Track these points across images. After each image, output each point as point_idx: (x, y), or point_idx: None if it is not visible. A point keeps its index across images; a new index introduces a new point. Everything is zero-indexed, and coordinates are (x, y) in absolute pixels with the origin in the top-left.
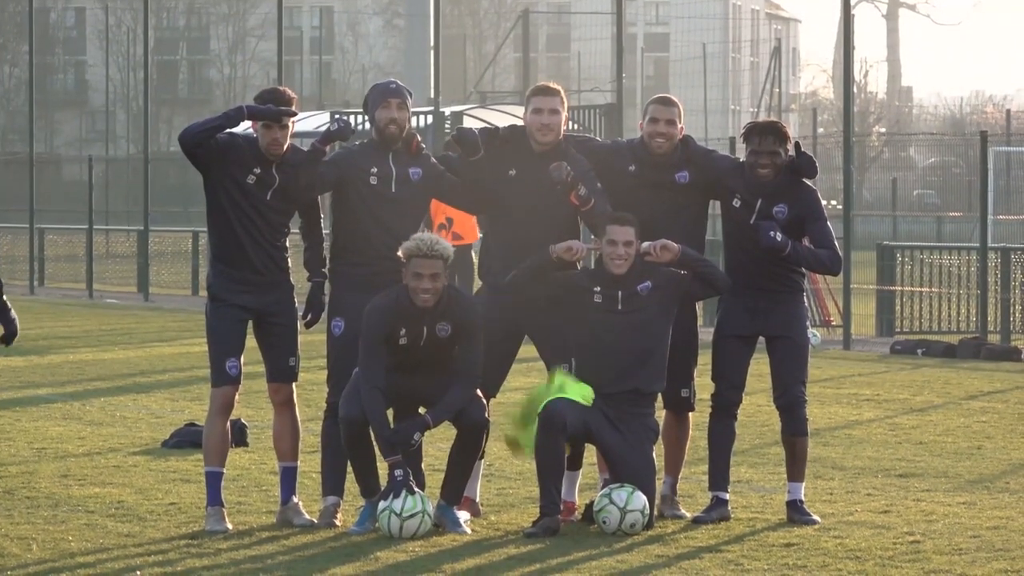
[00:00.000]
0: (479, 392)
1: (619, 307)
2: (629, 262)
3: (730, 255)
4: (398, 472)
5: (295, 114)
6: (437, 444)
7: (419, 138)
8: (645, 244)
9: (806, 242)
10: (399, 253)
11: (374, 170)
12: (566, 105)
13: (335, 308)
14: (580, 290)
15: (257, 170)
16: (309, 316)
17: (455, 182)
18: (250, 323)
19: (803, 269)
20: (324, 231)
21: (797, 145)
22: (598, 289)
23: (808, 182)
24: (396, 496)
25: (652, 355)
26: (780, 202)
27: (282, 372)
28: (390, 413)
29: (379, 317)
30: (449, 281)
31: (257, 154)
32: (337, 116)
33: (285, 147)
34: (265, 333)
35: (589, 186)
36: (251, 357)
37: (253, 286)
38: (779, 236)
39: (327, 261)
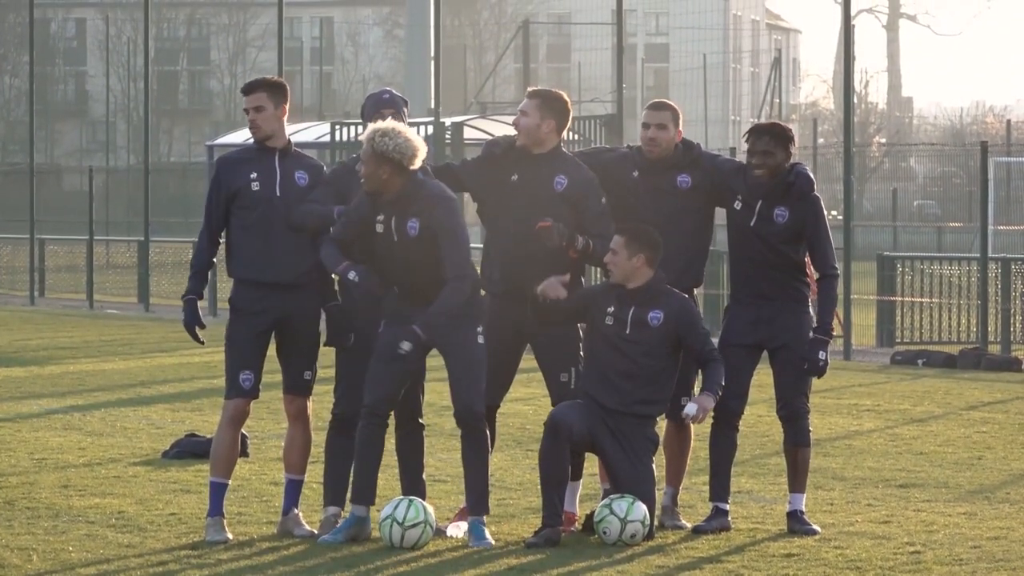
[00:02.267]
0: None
1: (627, 332)
2: (617, 272)
3: (734, 263)
4: (352, 274)
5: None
6: (438, 455)
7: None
8: (689, 411)
9: (806, 251)
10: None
11: None
12: (555, 110)
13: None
14: (596, 308)
15: (254, 174)
16: (342, 339)
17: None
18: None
19: (806, 279)
20: None
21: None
22: (611, 310)
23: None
24: (364, 288)
25: (654, 381)
26: (781, 205)
27: (296, 384)
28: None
29: (361, 193)
30: (422, 178)
31: (252, 159)
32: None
33: (267, 130)
34: (285, 342)
35: (595, 209)
36: (268, 366)
37: (274, 291)
38: (823, 355)
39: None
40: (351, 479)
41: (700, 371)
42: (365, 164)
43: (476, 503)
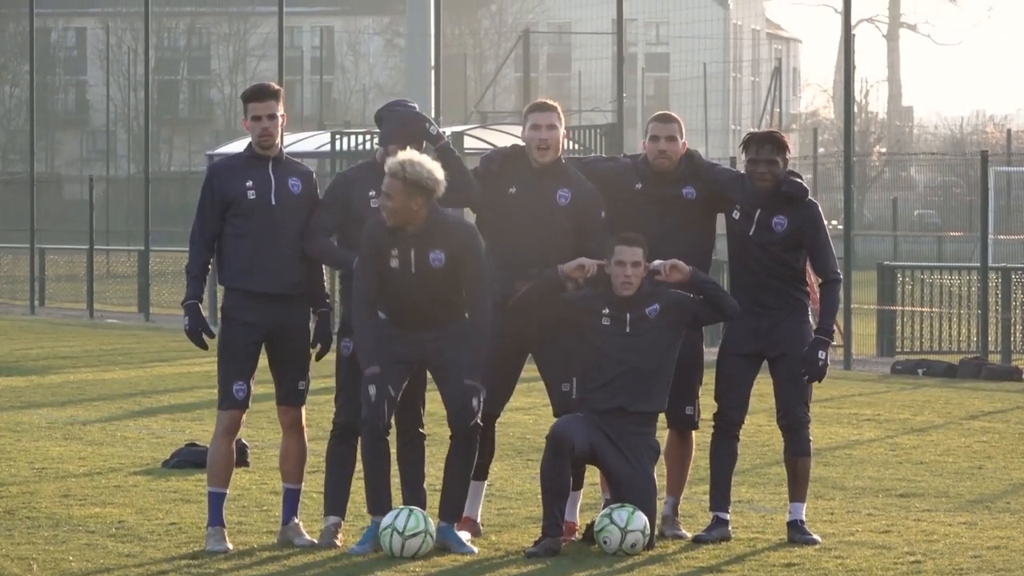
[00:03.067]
0: (479, 408)
1: (627, 330)
2: (637, 284)
3: (734, 273)
4: (372, 389)
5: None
6: (438, 464)
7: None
8: (656, 263)
9: (806, 259)
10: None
11: (372, 193)
12: (563, 121)
13: (345, 329)
14: (589, 312)
15: (249, 183)
16: (319, 347)
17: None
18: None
19: (806, 288)
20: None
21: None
22: (607, 311)
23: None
24: (371, 407)
25: (657, 377)
26: (779, 214)
27: (290, 395)
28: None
29: (370, 230)
30: (439, 209)
31: (246, 167)
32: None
33: (277, 138)
34: (276, 353)
35: (595, 224)
36: (258, 376)
37: (265, 302)
38: (822, 355)
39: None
40: (366, 493)
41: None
42: (393, 198)
43: (455, 511)
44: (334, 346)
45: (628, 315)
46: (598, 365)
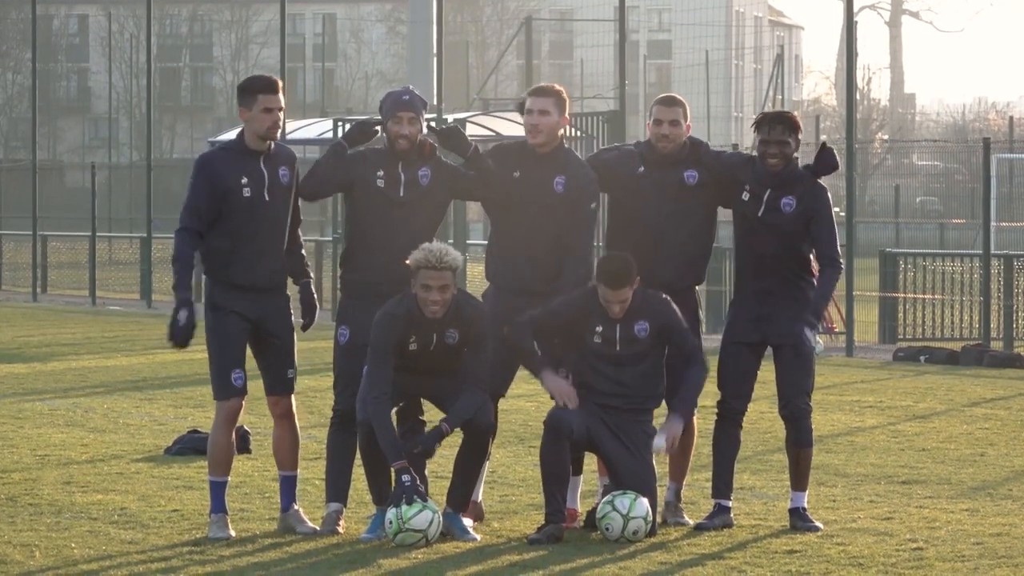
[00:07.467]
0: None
1: (616, 348)
2: (625, 309)
3: (739, 259)
4: (405, 478)
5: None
6: (440, 451)
7: (432, 141)
8: (656, 445)
9: (810, 249)
10: (408, 262)
11: (380, 174)
12: (566, 107)
13: (342, 316)
14: (583, 324)
15: (244, 180)
16: (304, 319)
17: (471, 176)
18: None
19: (811, 278)
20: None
21: (823, 144)
22: (600, 329)
23: (820, 180)
24: (408, 502)
25: (648, 384)
26: (788, 195)
27: (280, 384)
28: (395, 421)
29: (390, 325)
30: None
31: (241, 158)
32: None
33: (278, 133)
34: (263, 345)
35: (579, 215)
36: (252, 364)
37: (251, 294)
38: (809, 334)
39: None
40: (368, 485)
41: (676, 376)
42: (441, 291)
43: (462, 500)
44: (331, 336)
45: (618, 333)
46: (589, 378)
